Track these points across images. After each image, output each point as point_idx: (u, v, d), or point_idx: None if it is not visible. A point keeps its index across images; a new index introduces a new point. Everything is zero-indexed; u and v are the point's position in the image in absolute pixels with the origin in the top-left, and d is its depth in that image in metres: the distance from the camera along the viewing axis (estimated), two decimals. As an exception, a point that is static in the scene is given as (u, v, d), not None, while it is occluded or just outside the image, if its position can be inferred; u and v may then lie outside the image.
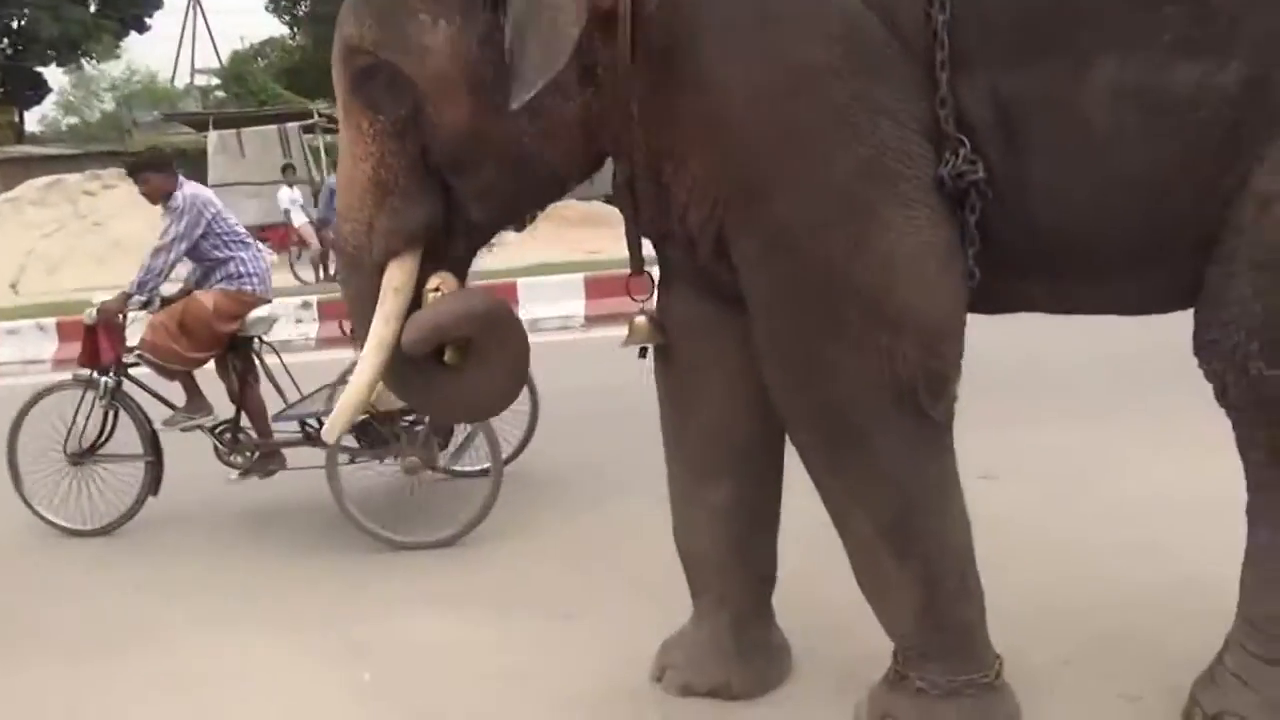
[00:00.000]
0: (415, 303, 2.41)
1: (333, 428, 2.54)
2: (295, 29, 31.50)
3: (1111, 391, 5.23)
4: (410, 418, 4.18)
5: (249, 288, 4.49)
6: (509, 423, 4.66)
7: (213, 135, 18.25)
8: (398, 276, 2.39)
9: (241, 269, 4.49)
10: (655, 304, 2.62)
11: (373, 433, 4.24)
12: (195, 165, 17.17)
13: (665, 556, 2.81)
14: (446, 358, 2.45)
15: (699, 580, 2.75)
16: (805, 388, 2.26)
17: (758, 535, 2.69)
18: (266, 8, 32.30)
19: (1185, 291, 2.22)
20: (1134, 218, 2.14)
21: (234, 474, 4.55)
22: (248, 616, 3.56)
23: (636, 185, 2.35)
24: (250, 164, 18.02)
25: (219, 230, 4.46)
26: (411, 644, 3.24)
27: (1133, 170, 2.09)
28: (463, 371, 2.46)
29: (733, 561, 2.68)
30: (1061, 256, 2.21)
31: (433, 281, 2.41)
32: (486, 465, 4.14)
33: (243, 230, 4.60)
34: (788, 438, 2.44)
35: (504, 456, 4.60)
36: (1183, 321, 2.25)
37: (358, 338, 2.52)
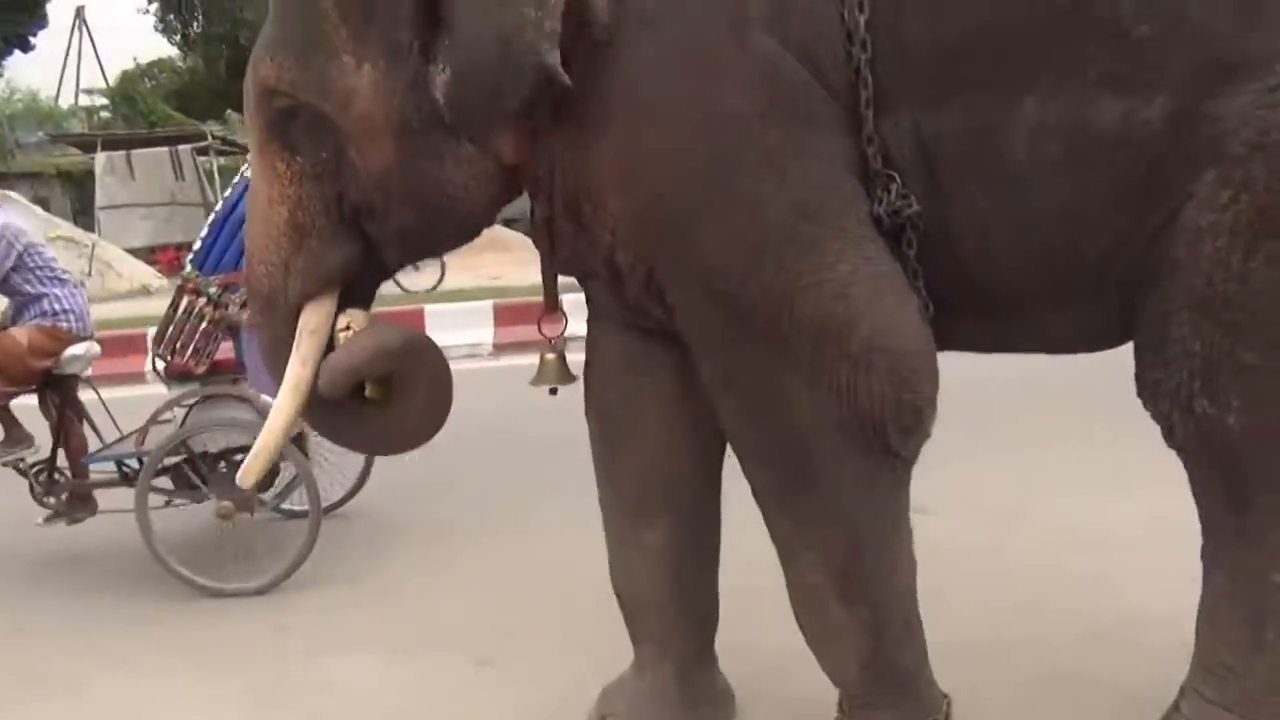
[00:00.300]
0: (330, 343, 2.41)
1: (248, 472, 2.47)
2: (185, 50, 30.83)
3: (1047, 420, 5.27)
4: (233, 458, 4.07)
5: (65, 325, 4.28)
6: (347, 460, 4.51)
7: (101, 157, 17.70)
8: (314, 319, 2.36)
9: (57, 306, 4.28)
10: (586, 340, 2.58)
11: (188, 474, 4.12)
12: (82, 187, 16.63)
13: (588, 597, 2.75)
14: (368, 393, 2.41)
15: (640, 626, 2.66)
16: (759, 425, 2.20)
17: (698, 575, 2.62)
18: (156, 28, 31.59)
19: (1120, 329, 2.20)
20: (1061, 255, 2.11)
21: (41, 517, 4.32)
22: (156, 659, 3.43)
23: (555, 225, 2.29)
24: (140, 186, 17.59)
25: (32, 265, 4.25)
26: (321, 687, 3.11)
27: (1058, 206, 2.07)
28: (386, 405, 2.42)
29: (674, 604, 2.61)
30: (990, 295, 2.18)
31: (341, 321, 2.37)
32: (315, 505, 4.02)
33: (59, 266, 4.39)
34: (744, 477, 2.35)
35: (341, 495, 4.61)
36: (1117, 349, 2.27)
37: (275, 385, 2.48)
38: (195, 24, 30.11)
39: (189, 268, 4.08)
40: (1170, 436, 2.14)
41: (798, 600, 2.29)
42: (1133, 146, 2.00)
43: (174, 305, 4.11)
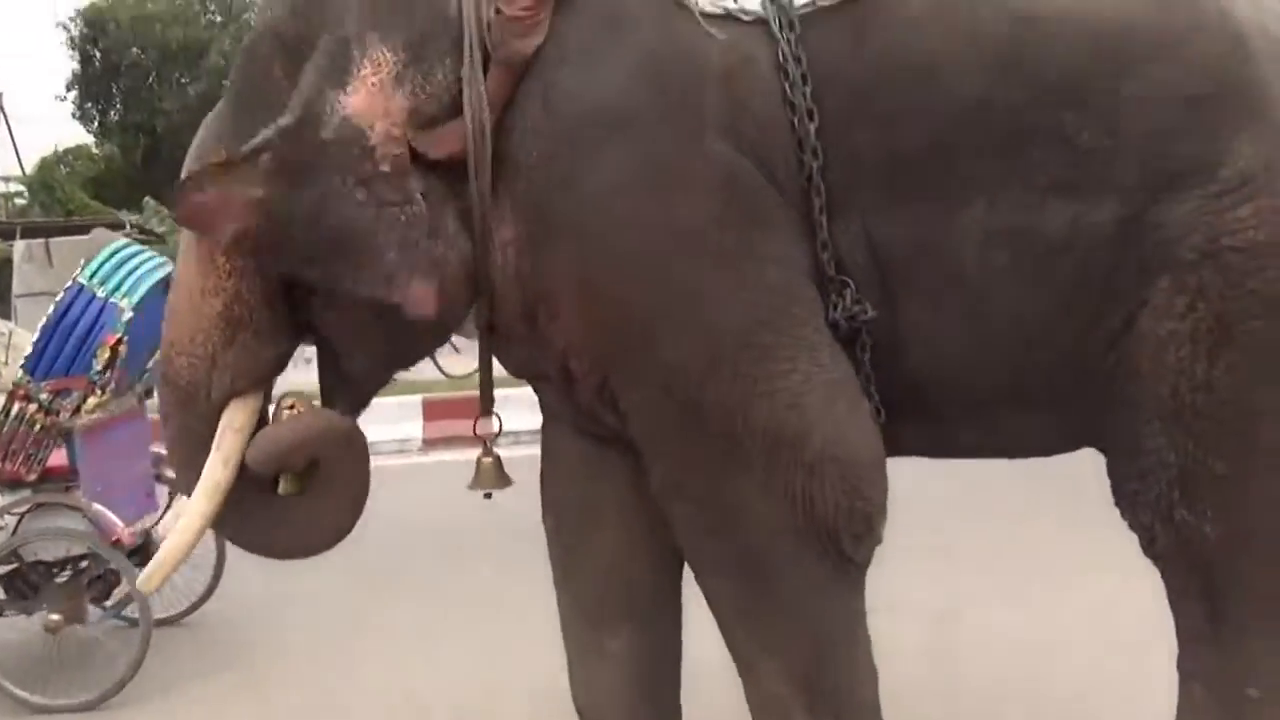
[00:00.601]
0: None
1: (151, 578, 2.42)
2: (102, 139, 30.73)
3: (979, 525, 5.19)
4: (65, 568, 3.99)
5: None
6: (195, 567, 4.28)
7: (19, 244, 17.72)
8: (240, 417, 2.32)
9: None
10: (541, 441, 2.63)
11: (19, 584, 4.02)
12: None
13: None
14: (281, 488, 2.38)
15: None
16: (713, 533, 2.18)
17: (661, 683, 2.60)
18: (73, 115, 31.45)
19: (1075, 435, 2.23)
20: (1013, 361, 2.13)
21: None
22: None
23: (507, 329, 2.27)
24: (59, 274, 17.47)
25: None
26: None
27: (1007, 313, 2.10)
28: (300, 501, 2.39)
29: (637, 714, 2.58)
30: (942, 401, 2.20)
31: (287, 400, 2.38)
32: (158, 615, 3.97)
33: None
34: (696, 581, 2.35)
35: (189, 604, 4.54)
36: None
37: (179, 479, 2.46)
38: (113, 112, 30.07)
39: (20, 373, 4.01)
40: (1150, 545, 2.15)
41: (759, 710, 2.25)
42: (1082, 251, 2.04)
43: (4, 411, 3.99)
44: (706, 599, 2.27)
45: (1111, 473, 2.19)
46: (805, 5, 2.12)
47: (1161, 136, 2.02)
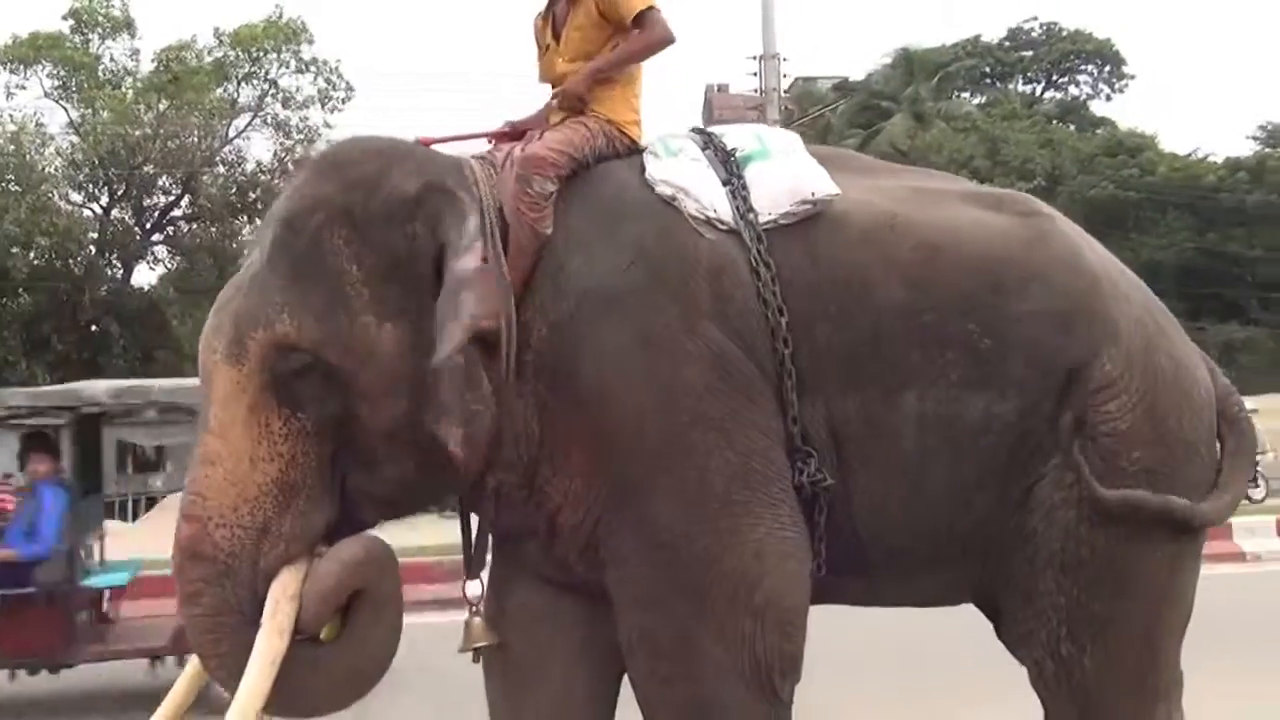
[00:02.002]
0: None
1: None
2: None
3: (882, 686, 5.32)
4: None
5: None
6: None
7: None
8: (293, 584, 2.31)
9: None
10: (490, 594, 2.71)
11: None
12: None
13: None
14: (324, 634, 2.37)
15: None
16: (674, 680, 2.41)
17: None
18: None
19: (974, 586, 2.64)
20: (939, 526, 2.52)
21: None
22: None
23: (506, 490, 2.48)
24: None
25: None
26: None
27: (938, 486, 2.50)
28: (342, 641, 2.40)
29: None
30: (878, 559, 2.55)
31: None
32: None
33: None
34: None
35: None
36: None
37: (210, 663, 2.38)
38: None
39: None
40: (1039, 677, 2.57)
41: None
42: (994, 435, 2.49)
43: None
44: None
45: (1005, 616, 2.60)
46: (767, 222, 2.54)
47: (1045, 345, 2.52)
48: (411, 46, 66.45)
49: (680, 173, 2.60)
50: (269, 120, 23.09)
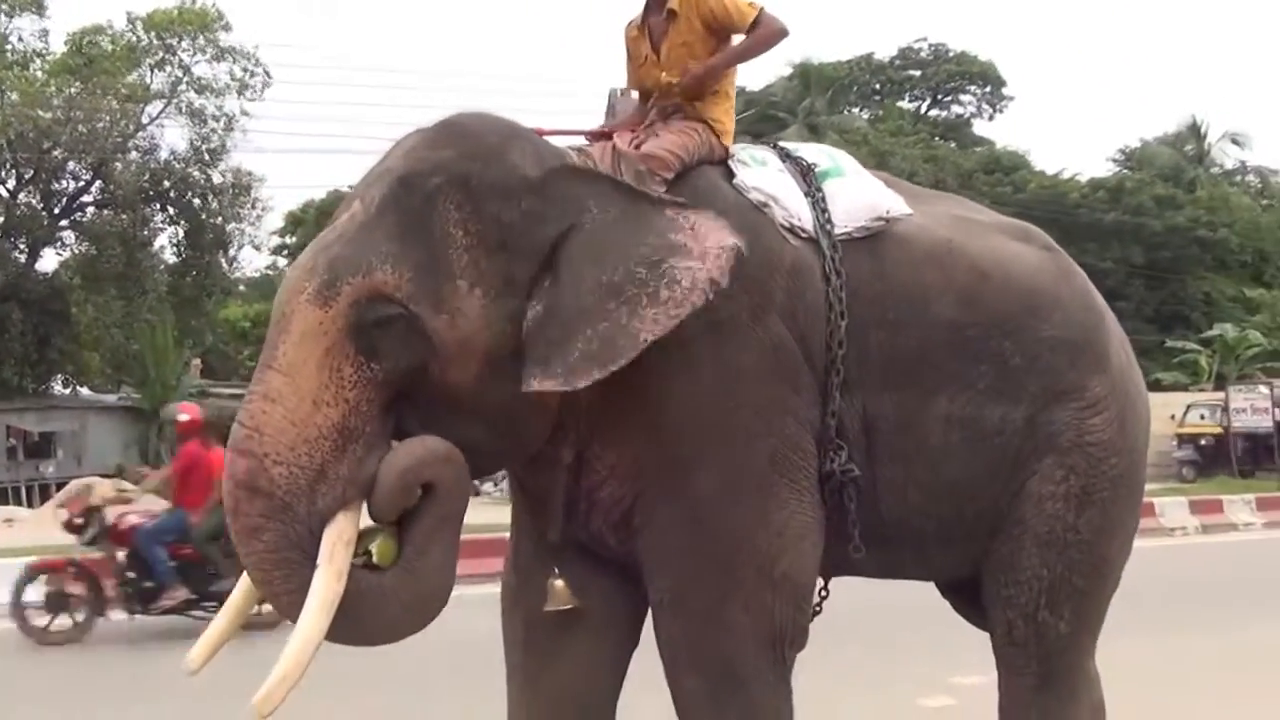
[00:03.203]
0: None
1: (270, 700, 2.22)
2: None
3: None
4: None
5: None
6: None
7: None
8: (349, 529, 2.33)
9: None
10: (516, 563, 2.86)
11: None
12: None
13: None
14: (376, 556, 2.36)
15: None
16: (701, 640, 2.61)
17: None
18: None
19: (970, 561, 2.92)
20: (953, 511, 2.82)
21: None
22: None
23: (555, 459, 2.59)
24: None
25: None
26: None
27: (956, 477, 2.79)
28: (398, 566, 2.38)
29: None
30: (897, 537, 2.81)
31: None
32: None
33: None
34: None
35: None
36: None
37: (282, 600, 2.33)
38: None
39: None
40: (1008, 636, 2.88)
41: None
42: (1006, 437, 2.82)
43: None
44: (680, 698, 2.65)
45: (989, 585, 2.91)
46: (842, 234, 2.76)
47: (1057, 366, 2.87)
48: (333, 36, 65.35)
49: (771, 182, 2.79)
50: (183, 108, 22.84)
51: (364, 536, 2.38)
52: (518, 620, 2.82)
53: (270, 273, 27.80)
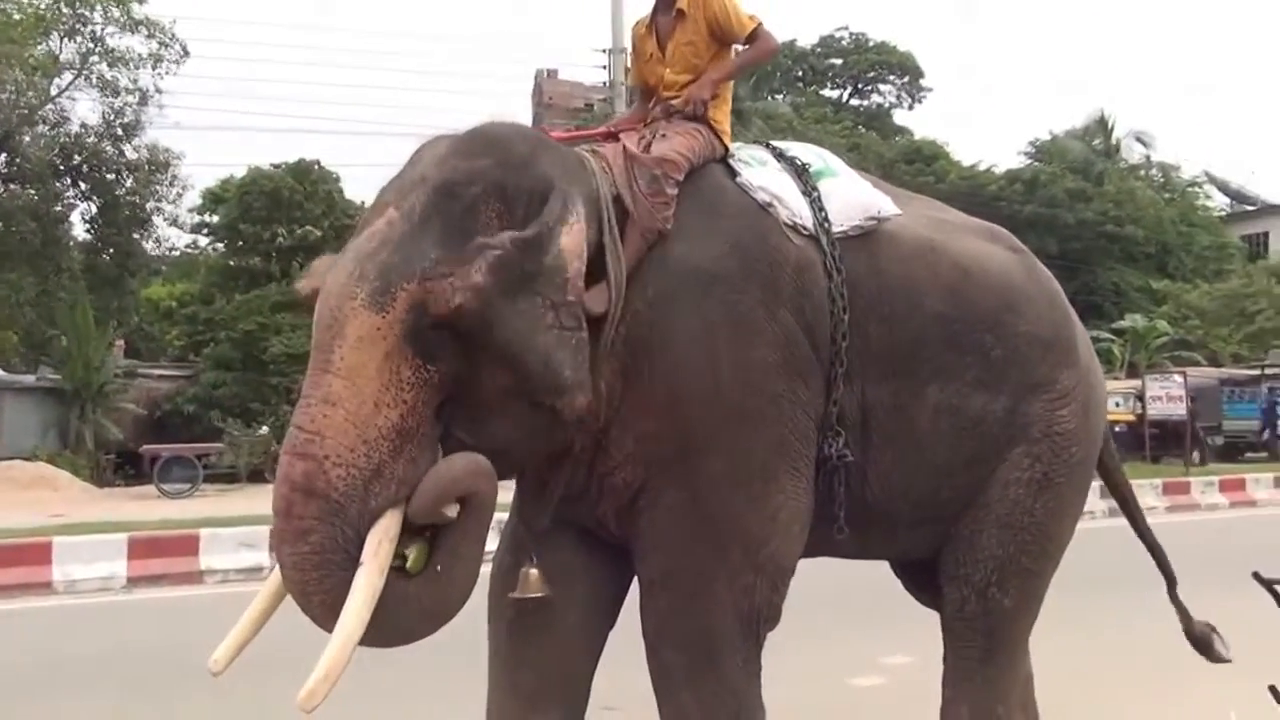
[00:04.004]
0: None
1: (314, 695, 2.23)
2: None
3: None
4: None
5: None
6: None
7: None
8: (395, 526, 2.38)
9: None
10: (510, 543, 2.94)
11: None
12: None
13: None
14: (410, 562, 2.41)
15: None
16: (686, 615, 2.71)
17: None
18: None
19: (933, 542, 3.09)
20: (929, 494, 2.99)
21: None
22: None
23: (577, 450, 2.68)
24: None
25: None
26: None
27: (937, 463, 2.96)
28: (427, 573, 2.44)
29: None
30: (875, 519, 2.95)
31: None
32: None
33: None
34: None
35: None
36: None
37: (314, 599, 2.34)
38: None
39: None
40: (960, 610, 3.05)
41: None
42: (985, 426, 2.99)
43: None
44: (658, 671, 2.75)
45: (946, 562, 3.08)
46: (839, 232, 2.90)
47: (1032, 360, 3.06)
48: (255, 10, 63.41)
49: (773, 182, 2.91)
50: (94, 80, 21.98)
51: (400, 540, 2.42)
52: (506, 602, 2.85)
53: (192, 251, 26.84)
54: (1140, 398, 19.27)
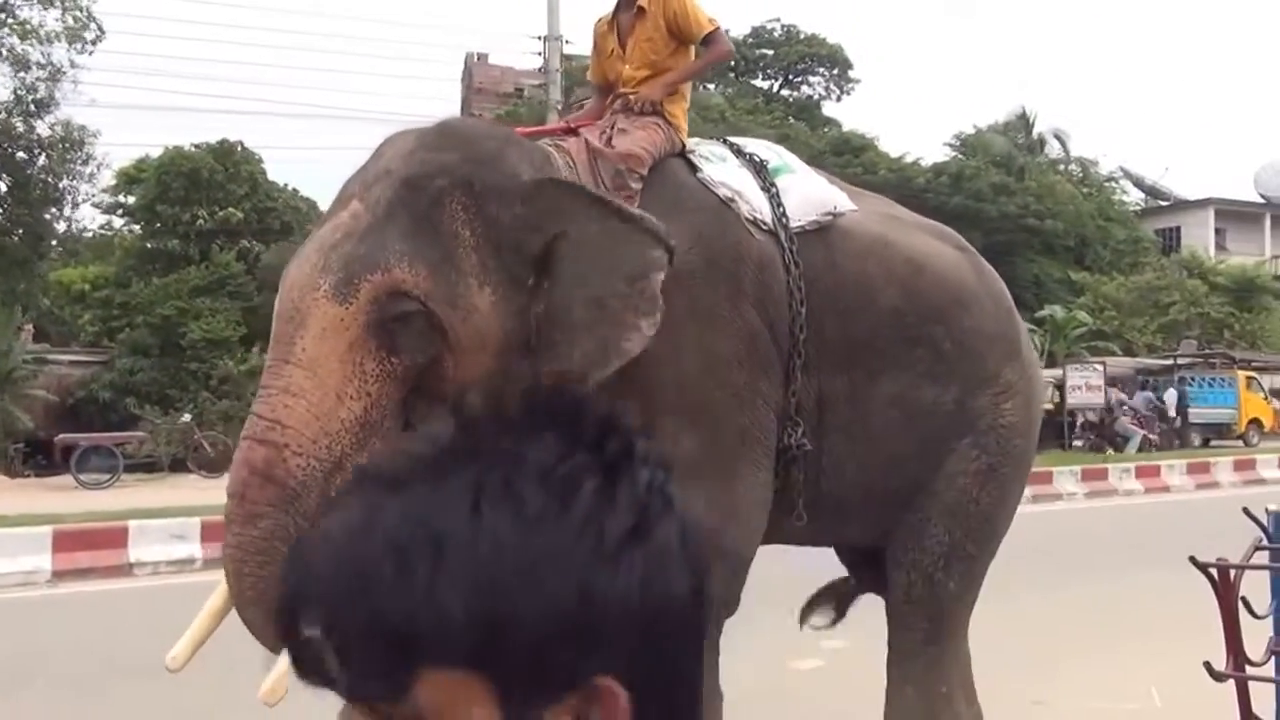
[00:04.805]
0: None
1: (274, 691, 2.25)
2: None
3: None
4: None
5: None
6: None
7: None
8: None
9: None
10: None
11: None
12: None
13: None
14: None
15: None
16: None
17: None
18: None
19: (878, 530, 3.18)
20: (880, 482, 3.08)
21: None
22: None
23: None
24: None
25: None
26: None
27: (891, 452, 3.04)
28: None
29: None
30: (831, 507, 3.03)
31: None
32: None
33: None
34: None
35: None
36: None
37: (246, 581, 2.31)
38: None
39: None
40: (907, 593, 3.15)
41: None
42: (936, 418, 3.09)
43: None
44: None
45: (895, 549, 3.16)
46: (797, 227, 2.97)
47: (979, 354, 3.16)
48: None
49: (733, 178, 2.98)
50: (4, 53, 21.26)
51: None
52: None
53: (106, 233, 26.02)
54: (1060, 387, 19.75)
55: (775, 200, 2.99)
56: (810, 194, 3.07)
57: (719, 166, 3.02)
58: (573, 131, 3.03)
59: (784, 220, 2.96)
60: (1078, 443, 19.45)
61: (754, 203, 2.95)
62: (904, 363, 3.05)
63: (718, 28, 3.14)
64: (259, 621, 2.31)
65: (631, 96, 3.04)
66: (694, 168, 3.00)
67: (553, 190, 2.64)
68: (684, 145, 3.06)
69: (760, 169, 3.07)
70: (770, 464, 2.88)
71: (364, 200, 2.54)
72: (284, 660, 1.90)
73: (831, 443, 2.97)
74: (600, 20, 3.25)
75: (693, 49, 3.17)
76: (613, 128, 2.95)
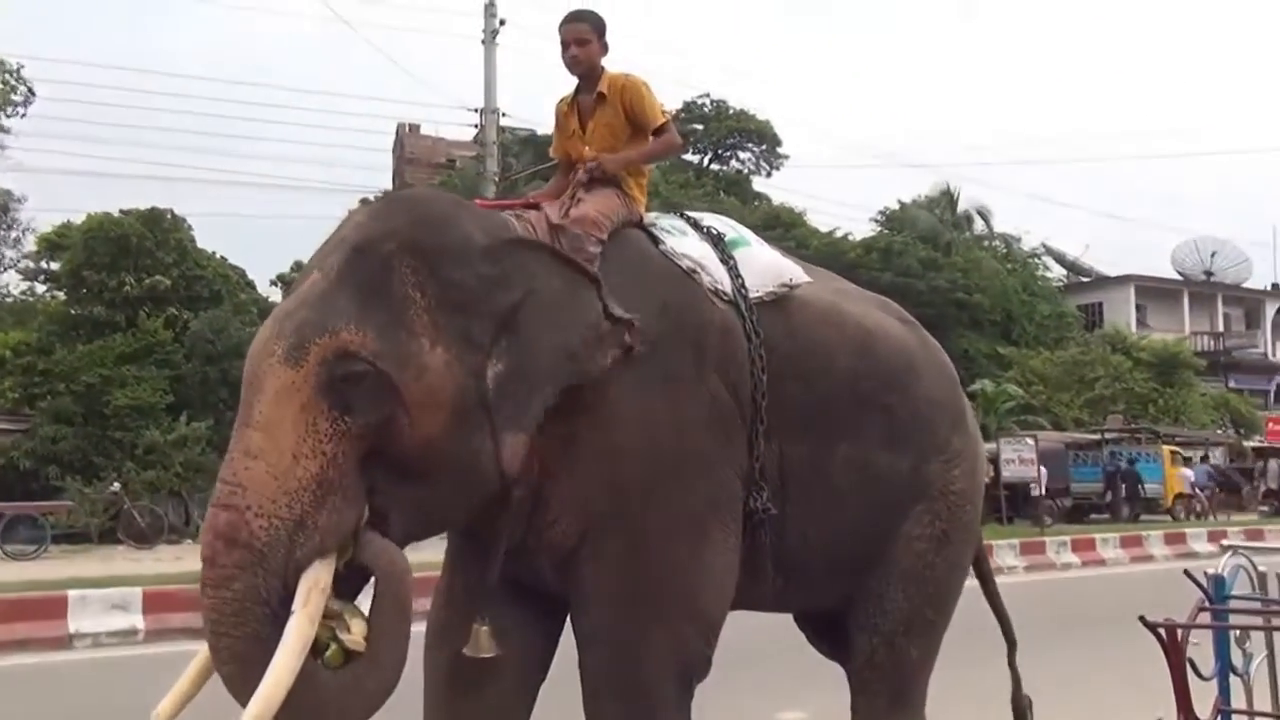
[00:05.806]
0: None
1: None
2: None
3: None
4: None
5: None
6: None
7: None
8: (325, 576, 2.43)
9: None
10: (446, 597, 3.01)
11: None
12: None
13: None
14: (327, 656, 2.44)
15: None
16: (623, 668, 2.79)
17: None
18: None
19: (841, 593, 3.25)
20: (844, 550, 3.15)
21: None
22: None
23: (516, 504, 2.71)
24: None
25: None
26: None
27: (848, 519, 3.13)
28: (344, 669, 2.46)
29: None
30: (795, 571, 3.10)
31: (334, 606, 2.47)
32: None
33: None
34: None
35: None
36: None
37: (223, 641, 2.38)
38: None
39: None
40: (869, 659, 3.22)
41: None
42: (892, 484, 3.19)
43: None
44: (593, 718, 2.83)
45: (856, 615, 3.24)
46: (756, 298, 3.07)
47: (930, 422, 3.29)
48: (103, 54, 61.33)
49: (695, 250, 3.08)
50: (-71, 115, 21.05)
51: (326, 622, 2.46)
52: (443, 657, 2.93)
53: (28, 298, 25.31)
54: (994, 460, 20.02)
55: (734, 272, 3.09)
56: (767, 266, 3.19)
57: (680, 239, 3.13)
58: (535, 206, 3.12)
59: (743, 291, 3.06)
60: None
61: (715, 274, 3.06)
62: (860, 428, 3.14)
63: (669, 120, 3.28)
64: (238, 679, 2.38)
65: (590, 164, 3.11)
66: (656, 240, 3.10)
67: (518, 249, 2.75)
68: (642, 217, 3.17)
69: (718, 242, 3.18)
70: (738, 528, 2.93)
71: (321, 269, 2.63)
72: (253, 708, 2.19)
73: (794, 507, 3.03)
74: (562, 100, 3.36)
75: (650, 137, 3.27)
76: (572, 199, 3.03)
